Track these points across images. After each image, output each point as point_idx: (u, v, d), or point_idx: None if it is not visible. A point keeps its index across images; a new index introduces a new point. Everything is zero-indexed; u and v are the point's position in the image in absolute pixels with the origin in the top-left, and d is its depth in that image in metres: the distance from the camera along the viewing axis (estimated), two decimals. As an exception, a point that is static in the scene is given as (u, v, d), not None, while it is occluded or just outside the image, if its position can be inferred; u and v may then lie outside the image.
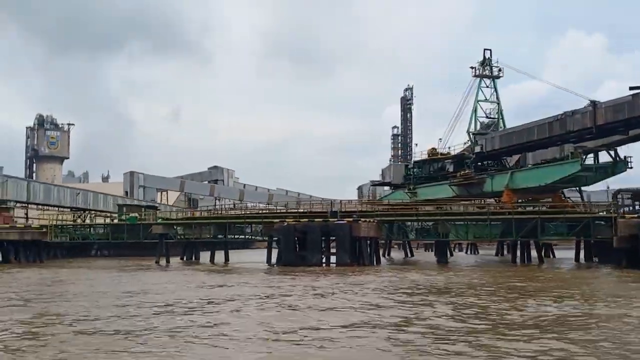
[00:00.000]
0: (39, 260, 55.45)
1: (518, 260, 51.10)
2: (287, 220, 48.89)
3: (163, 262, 53.89)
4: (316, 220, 48.17)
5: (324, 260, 46.61)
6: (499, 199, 53.55)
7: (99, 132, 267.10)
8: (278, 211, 57.58)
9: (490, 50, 63.50)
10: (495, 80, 62.39)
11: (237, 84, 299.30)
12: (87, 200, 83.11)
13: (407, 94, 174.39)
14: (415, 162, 71.17)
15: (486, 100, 61.88)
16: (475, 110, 61.40)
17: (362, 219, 47.02)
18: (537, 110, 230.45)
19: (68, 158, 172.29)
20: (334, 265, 45.92)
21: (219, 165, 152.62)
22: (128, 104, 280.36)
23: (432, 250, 75.72)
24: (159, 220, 57.66)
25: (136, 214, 56.82)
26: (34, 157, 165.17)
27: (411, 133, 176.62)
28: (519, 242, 50.64)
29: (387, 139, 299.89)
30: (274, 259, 50.17)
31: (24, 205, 72.63)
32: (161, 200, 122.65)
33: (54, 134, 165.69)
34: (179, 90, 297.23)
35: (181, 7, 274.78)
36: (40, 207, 73.66)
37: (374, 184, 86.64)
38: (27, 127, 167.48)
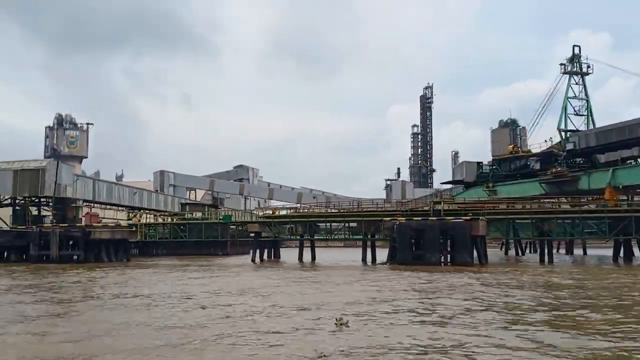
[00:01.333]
0: (125, 259, 54.69)
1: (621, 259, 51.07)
2: (397, 218, 48.56)
3: (245, 261, 53.37)
4: (430, 218, 47.79)
5: (442, 260, 46.07)
6: (597, 196, 53.35)
7: (108, 132, 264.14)
8: (383, 209, 56.68)
9: (579, 46, 63.22)
10: (584, 77, 62.23)
11: (240, 83, 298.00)
12: (142, 199, 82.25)
13: (426, 92, 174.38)
14: (493, 159, 70.85)
15: (575, 97, 61.56)
16: (565, 108, 61.15)
17: (479, 218, 46.73)
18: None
19: (87, 157, 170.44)
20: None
21: (244, 164, 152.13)
22: (137, 102, 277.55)
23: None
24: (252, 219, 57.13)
25: (229, 214, 56.25)
26: (52, 157, 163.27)
27: (431, 131, 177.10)
28: (622, 240, 50.73)
29: (389, 137, 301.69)
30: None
31: (88, 203, 71.67)
32: (189, 198, 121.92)
33: (73, 134, 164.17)
34: (185, 87, 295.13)
35: (189, 7, 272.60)
36: (103, 206, 72.87)
37: (444, 182, 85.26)
38: (46, 127, 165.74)
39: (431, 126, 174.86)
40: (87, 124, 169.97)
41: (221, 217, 54.79)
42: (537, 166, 62.11)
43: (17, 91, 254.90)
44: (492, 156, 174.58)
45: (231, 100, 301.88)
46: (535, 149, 64.69)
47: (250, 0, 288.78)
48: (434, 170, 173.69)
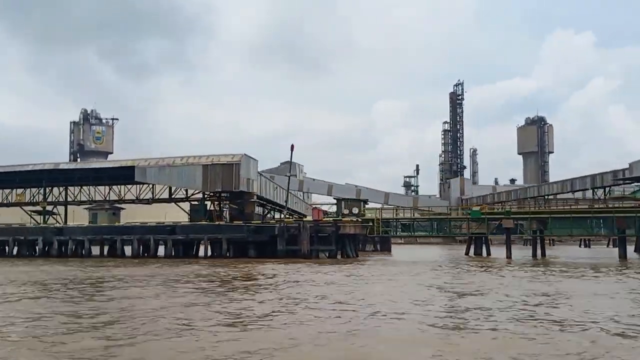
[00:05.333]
0: (353, 255, 52.16)
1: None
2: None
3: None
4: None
5: None
6: None
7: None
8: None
9: None
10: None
11: (231, 80, 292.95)
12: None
13: (456, 89, 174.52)
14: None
15: None
16: None
17: None
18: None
19: (112, 153, 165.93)
20: None
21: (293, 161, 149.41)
22: (128, 96, 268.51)
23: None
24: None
25: (476, 209, 54.46)
26: (78, 152, 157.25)
27: (462, 128, 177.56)
28: None
29: (377, 134, 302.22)
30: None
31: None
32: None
33: (99, 129, 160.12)
34: (174, 83, 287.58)
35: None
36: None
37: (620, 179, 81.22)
38: (71, 122, 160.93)
39: (462, 123, 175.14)
40: (112, 119, 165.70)
41: (468, 212, 52.81)
42: None
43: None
44: (518, 153, 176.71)
45: (220, 96, 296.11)
46: None
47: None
48: (464, 167, 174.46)
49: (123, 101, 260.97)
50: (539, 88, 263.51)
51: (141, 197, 61.83)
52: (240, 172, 55.27)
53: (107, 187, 62.46)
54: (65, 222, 61.71)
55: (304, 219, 54.11)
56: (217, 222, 52.21)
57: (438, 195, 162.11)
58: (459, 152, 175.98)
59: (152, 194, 60.91)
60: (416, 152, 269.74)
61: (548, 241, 77.10)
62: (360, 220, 51.31)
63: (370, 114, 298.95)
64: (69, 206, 63.84)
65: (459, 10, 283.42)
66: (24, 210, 62.78)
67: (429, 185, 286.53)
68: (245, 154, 57.76)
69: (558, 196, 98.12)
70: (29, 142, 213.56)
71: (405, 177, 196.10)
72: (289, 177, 58.21)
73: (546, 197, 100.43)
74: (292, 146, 55.30)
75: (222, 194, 58.11)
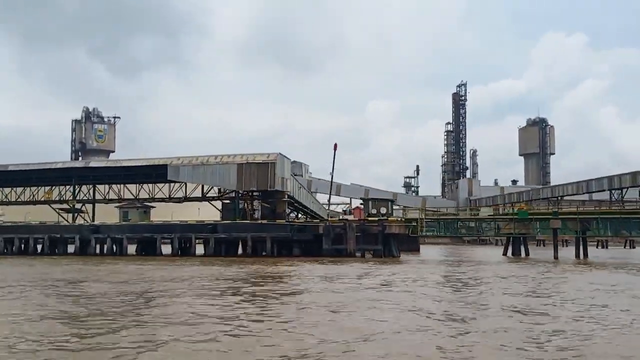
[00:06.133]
0: (397, 254, 51.63)
1: None
2: None
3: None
4: None
5: None
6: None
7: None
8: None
9: None
10: None
11: (221, 79, 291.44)
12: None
13: (459, 89, 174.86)
14: None
15: None
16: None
17: None
18: None
19: (114, 151, 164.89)
20: None
21: (297, 160, 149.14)
22: (119, 94, 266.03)
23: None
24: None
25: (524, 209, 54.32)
26: (80, 151, 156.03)
27: (465, 129, 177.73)
28: None
29: (368, 134, 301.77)
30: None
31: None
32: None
33: (101, 127, 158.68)
34: (164, 82, 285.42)
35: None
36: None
37: None
38: (72, 120, 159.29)
39: (465, 124, 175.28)
40: (114, 117, 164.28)
41: (516, 213, 52.62)
42: None
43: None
44: (519, 154, 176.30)
45: (210, 95, 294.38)
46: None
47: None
48: (467, 168, 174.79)
49: (114, 100, 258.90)
50: (530, 89, 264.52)
51: (172, 196, 61.21)
52: (276, 171, 55.06)
53: (137, 186, 61.73)
54: (93, 220, 60.92)
55: (348, 219, 53.71)
56: (260, 221, 51.68)
57: (440, 196, 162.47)
58: (461, 152, 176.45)
59: (185, 192, 60.27)
60: (408, 152, 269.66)
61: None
62: (403, 220, 51.07)
63: (362, 114, 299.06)
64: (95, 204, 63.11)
65: (449, 10, 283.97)
66: (53, 208, 61.82)
67: (427, 186, 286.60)
68: (280, 153, 57.50)
69: (565, 197, 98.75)
70: (19, 141, 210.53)
71: (405, 177, 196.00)
72: (294, 176, 58.14)
73: (559, 197, 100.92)
74: (335, 145, 54.95)
75: (254, 193, 57.78)
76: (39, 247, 53.81)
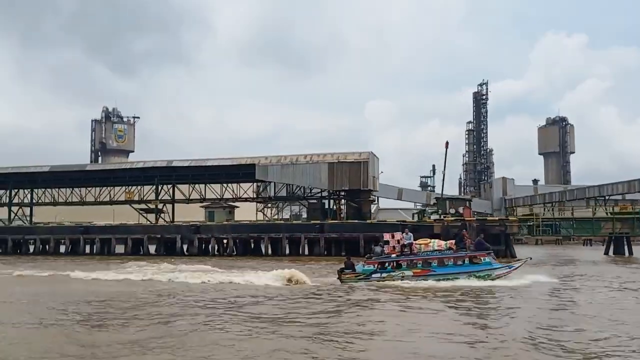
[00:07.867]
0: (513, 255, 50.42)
1: None
2: None
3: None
4: None
5: None
6: None
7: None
8: None
9: None
10: None
11: (220, 79, 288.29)
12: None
13: (480, 89, 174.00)
14: None
15: None
16: None
17: None
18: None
19: (133, 151, 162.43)
20: None
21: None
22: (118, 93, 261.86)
23: None
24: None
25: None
26: (100, 151, 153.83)
27: (486, 128, 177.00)
28: None
29: (368, 134, 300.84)
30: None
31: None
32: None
33: (121, 127, 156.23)
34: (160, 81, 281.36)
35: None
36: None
37: None
38: (92, 120, 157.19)
39: (486, 123, 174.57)
40: (134, 117, 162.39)
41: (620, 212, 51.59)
42: None
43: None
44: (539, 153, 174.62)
45: (208, 96, 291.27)
46: None
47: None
48: (488, 168, 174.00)
49: (114, 100, 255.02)
50: (531, 89, 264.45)
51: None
52: (368, 170, 53.99)
53: (221, 185, 60.16)
54: (173, 219, 59.23)
55: (466, 219, 52.13)
56: (369, 221, 50.32)
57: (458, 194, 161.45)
58: (482, 151, 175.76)
59: (274, 191, 58.76)
60: (407, 151, 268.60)
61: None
62: (518, 219, 49.89)
63: (362, 114, 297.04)
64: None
65: (449, 10, 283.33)
66: (134, 209, 59.99)
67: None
68: (371, 152, 56.23)
69: (610, 197, 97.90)
70: (16, 142, 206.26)
71: (421, 177, 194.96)
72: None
73: (607, 197, 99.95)
74: (447, 143, 53.55)
75: (341, 193, 56.65)
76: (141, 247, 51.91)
